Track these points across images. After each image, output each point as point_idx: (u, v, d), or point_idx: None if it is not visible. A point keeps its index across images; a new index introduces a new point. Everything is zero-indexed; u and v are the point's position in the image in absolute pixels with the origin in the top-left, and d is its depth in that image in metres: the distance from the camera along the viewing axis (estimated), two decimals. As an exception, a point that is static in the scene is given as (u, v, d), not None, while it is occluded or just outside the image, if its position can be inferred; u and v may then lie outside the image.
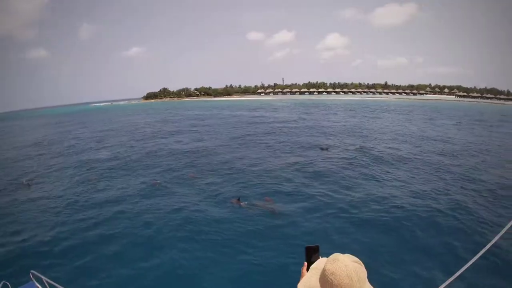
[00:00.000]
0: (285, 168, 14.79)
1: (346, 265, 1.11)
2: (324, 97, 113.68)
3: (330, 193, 11.28)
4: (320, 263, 1.27)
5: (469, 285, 5.65)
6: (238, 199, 10.39)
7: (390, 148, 19.54)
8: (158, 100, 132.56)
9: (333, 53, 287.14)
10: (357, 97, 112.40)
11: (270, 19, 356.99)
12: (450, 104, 77.87)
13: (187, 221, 9.34)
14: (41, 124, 57.28)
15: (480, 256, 2.12)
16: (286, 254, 7.22)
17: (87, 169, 16.39)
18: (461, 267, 2.11)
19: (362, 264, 1.17)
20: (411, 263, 6.88)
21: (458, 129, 29.88)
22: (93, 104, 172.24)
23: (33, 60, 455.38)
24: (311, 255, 1.43)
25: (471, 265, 2.11)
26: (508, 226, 2.28)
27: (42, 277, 4.76)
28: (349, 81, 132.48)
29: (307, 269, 1.36)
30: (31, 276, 5.25)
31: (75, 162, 18.46)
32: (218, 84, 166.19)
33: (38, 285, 4.93)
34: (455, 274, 2.09)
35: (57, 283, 4.24)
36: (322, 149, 19.18)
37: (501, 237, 2.22)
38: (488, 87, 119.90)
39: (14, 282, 5.54)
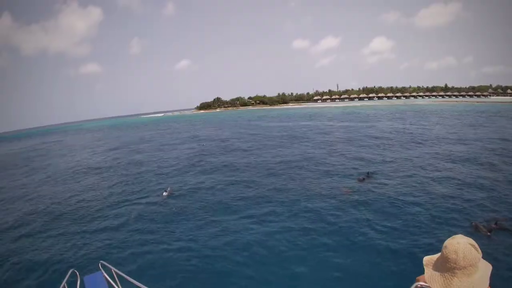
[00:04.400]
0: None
1: (458, 242, 1.25)
2: (392, 102, 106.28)
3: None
4: None
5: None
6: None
7: None
8: (212, 111, 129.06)
9: (379, 57, 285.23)
10: (425, 101, 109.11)
11: (314, 26, 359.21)
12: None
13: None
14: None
15: None
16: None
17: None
18: None
19: (478, 250, 1.26)
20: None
21: None
22: (144, 116, 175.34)
23: (88, 75, 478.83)
24: None
25: None
26: None
27: (111, 267, 4.75)
28: (398, 85, 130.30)
29: None
30: (99, 266, 5.32)
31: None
32: (269, 92, 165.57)
33: (106, 275, 4.92)
34: None
35: (125, 274, 4.14)
36: None
37: None
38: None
39: (82, 271, 5.85)
